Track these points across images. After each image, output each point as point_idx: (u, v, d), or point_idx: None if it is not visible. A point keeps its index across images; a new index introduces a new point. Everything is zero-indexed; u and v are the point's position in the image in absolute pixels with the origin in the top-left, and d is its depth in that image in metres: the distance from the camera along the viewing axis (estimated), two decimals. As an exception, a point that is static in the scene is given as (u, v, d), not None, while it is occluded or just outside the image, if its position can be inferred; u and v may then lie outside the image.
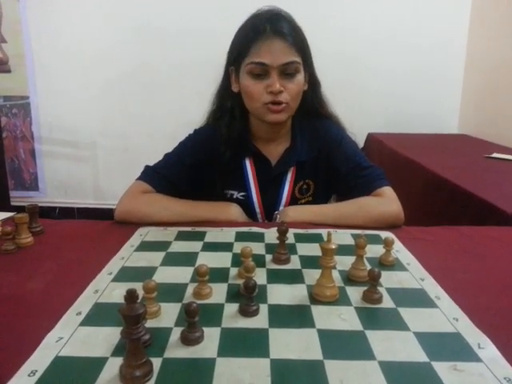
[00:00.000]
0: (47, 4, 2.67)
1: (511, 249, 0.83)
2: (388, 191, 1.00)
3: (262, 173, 1.07)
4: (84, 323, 0.55)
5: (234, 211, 0.98)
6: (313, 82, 1.06)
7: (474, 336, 0.53)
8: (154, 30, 2.68)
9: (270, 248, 0.79)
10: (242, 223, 0.96)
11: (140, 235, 0.86)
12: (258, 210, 1.07)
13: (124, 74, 2.75)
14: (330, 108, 1.12)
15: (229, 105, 1.05)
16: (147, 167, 1.04)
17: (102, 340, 0.51)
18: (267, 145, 1.08)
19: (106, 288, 0.64)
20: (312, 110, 1.09)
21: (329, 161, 1.07)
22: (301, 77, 0.98)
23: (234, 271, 0.70)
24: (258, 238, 0.85)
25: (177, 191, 1.01)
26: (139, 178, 1.02)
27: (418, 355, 0.49)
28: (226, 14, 2.42)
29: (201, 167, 1.05)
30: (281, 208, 1.06)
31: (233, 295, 0.62)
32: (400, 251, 0.79)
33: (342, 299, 0.62)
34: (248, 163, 1.07)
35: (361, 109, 2.69)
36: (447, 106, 2.80)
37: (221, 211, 0.97)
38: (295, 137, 1.08)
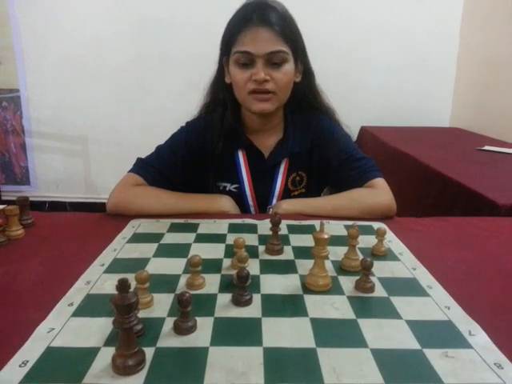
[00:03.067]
0: (36, -5, 2.63)
1: (501, 238, 0.84)
2: (381, 182, 1.00)
3: (254, 165, 1.07)
4: (76, 314, 0.54)
5: (226, 203, 0.98)
6: (306, 73, 1.05)
7: (466, 323, 0.54)
8: (147, 22, 2.65)
9: (263, 239, 0.79)
10: (234, 215, 0.96)
11: (132, 227, 0.85)
12: (250, 202, 1.07)
13: (116, 68, 2.72)
14: (325, 99, 1.11)
15: (221, 96, 1.04)
16: (139, 159, 1.04)
17: (94, 330, 0.51)
18: (259, 136, 1.07)
19: (98, 279, 0.63)
20: (305, 102, 1.08)
21: (321, 153, 1.07)
22: (289, 67, 0.97)
23: (227, 262, 0.70)
24: (251, 229, 0.85)
25: (169, 184, 1.00)
26: (131, 171, 1.01)
27: (410, 343, 0.50)
28: (220, 5, 2.40)
29: (193, 159, 1.05)
30: (274, 200, 1.06)
31: (226, 285, 0.62)
32: (392, 241, 0.80)
33: (334, 288, 0.62)
34: (240, 155, 1.06)
35: (354, 102, 2.70)
36: (439, 99, 2.82)
37: (212, 203, 0.97)
38: (287, 128, 1.07)
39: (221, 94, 1.05)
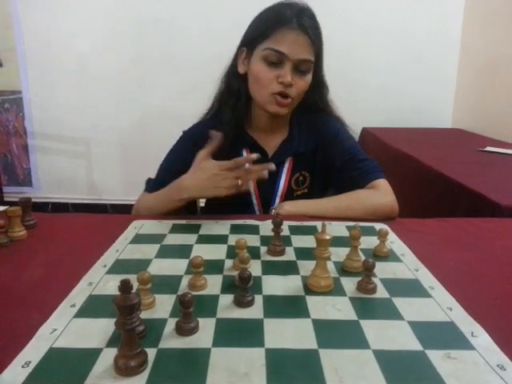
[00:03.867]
0: (38, -3, 2.64)
1: (504, 240, 0.84)
2: (383, 183, 1.00)
3: (258, 163, 1.07)
4: (78, 315, 0.54)
5: (184, 188, 0.89)
6: (321, 86, 1.06)
7: (468, 325, 0.53)
8: (147, 23, 2.66)
9: (264, 240, 0.79)
10: (235, 215, 0.94)
11: (134, 228, 0.85)
12: (255, 201, 1.07)
13: (117, 69, 2.73)
14: (335, 111, 1.12)
15: (236, 87, 1.04)
16: (149, 179, 1.06)
17: (97, 331, 0.51)
18: (264, 136, 1.08)
19: (100, 280, 0.63)
20: (312, 108, 1.09)
21: (325, 153, 1.08)
22: (310, 76, 0.99)
23: (228, 263, 0.70)
24: (253, 230, 0.85)
25: None
26: (144, 191, 1.04)
27: (412, 344, 0.50)
28: (221, 6, 2.40)
29: None
30: (277, 199, 1.06)
31: (228, 286, 0.62)
32: (394, 242, 0.80)
33: (336, 289, 0.62)
34: (245, 154, 1.06)
35: (355, 103, 2.69)
36: (441, 100, 2.81)
37: (173, 194, 0.91)
38: (293, 129, 1.08)
39: (235, 84, 1.04)
